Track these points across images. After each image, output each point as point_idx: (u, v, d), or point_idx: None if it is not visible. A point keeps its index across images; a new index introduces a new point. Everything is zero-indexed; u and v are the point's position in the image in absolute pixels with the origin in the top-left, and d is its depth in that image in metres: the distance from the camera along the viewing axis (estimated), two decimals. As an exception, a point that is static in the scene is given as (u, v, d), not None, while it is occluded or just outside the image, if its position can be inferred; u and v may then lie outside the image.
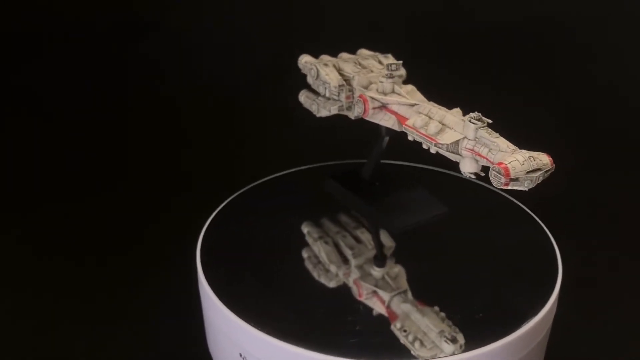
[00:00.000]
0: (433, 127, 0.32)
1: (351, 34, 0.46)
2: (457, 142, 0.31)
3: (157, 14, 0.70)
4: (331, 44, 0.42)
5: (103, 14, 0.69)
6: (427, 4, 0.69)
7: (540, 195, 0.48)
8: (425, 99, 0.35)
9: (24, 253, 0.49)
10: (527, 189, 0.29)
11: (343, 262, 0.37)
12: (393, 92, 0.36)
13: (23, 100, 0.67)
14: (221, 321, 0.34)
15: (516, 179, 0.29)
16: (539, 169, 0.29)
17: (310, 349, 0.30)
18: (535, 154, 0.29)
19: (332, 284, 0.35)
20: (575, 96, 0.65)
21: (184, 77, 0.69)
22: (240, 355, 0.33)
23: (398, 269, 0.36)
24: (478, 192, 0.44)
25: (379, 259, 0.37)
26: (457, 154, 0.31)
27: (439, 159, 0.34)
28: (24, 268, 0.47)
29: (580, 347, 0.41)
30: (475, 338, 0.32)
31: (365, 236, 0.39)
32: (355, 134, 0.43)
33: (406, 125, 0.34)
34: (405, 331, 0.31)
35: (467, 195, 0.44)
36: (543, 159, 0.29)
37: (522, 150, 0.29)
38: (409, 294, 0.34)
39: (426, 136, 0.32)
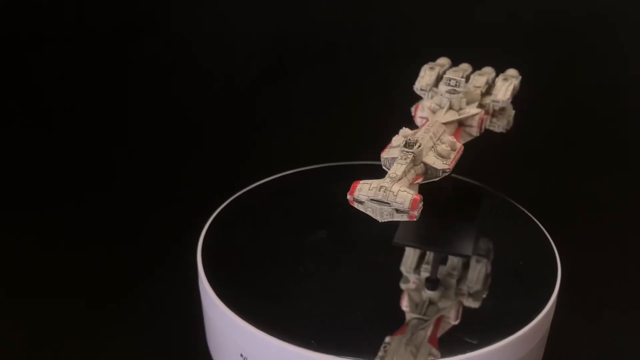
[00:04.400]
0: (395, 141, 0.31)
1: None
2: (393, 160, 0.30)
3: (159, 13, 0.70)
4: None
5: (103, 14, 0.69)
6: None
7: (539, 195, 0.49)
8: (460, 123, 0.35)
9: (22, 253, 0.49)
10: (380, 221, 0.28)
11: (413, 270, 0.37)
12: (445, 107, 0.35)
13: (22, 100, 0.67)
14: (222, 322, 0.34)
15: (360, 202, 0.28)
16: (388, 204, 0.28)
17: (312, 349, 0.31)
18: (399, 188, 0.27)
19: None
20: (577, 95, 0.65)
21: (185, 77, 0.69)
22: (241, 355, 0.33)
23: (450, 303, 0.35)
24: (476, 193, 0.44)
25: (431, 282, 0.36)
26: None
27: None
28: (22, 267, 0.47)
29: (579, 349, 0.41)
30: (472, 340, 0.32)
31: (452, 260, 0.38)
32: (361, 135, 0.43)
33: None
34: (385, 347, 0.31)
35: (464, 196, 0.44)
36: (400, 198, 0.27)
37: (386, 179, 0.28)
38: (430, 325, 0.33)
39: (386, 147, 0.32)
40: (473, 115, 0.35)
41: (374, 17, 0.70)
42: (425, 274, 0.37)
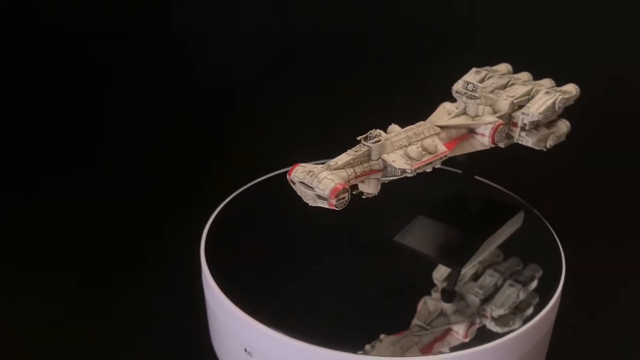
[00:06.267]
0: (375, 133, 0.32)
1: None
2: None
3: (155, 14, 0.70)
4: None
5: (101, 13, 0.69)
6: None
7: (544, 192, 0.49)
8: (471, 130, 0.35)
9: (23, 252, 0.49)
10: (310, 205, 0.29)
11: (442, 280, 0.37)
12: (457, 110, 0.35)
13: (21, 100, 0.67)
14: (226, 316, 0.34)
15: (294, 183, 0.29)
16: (312, 189, 0.28)
17: (316, 344, 0.31)
18: (325, 176, 0.28)
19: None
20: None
21: (182, 76, 0.70)
22: (246, 350, 0.33)
23: (463, 320, 0.34)
24: (483, 189, 0.44)
25: (448, 294, 0.36)
26: None
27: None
28: (22, 266, 0.47)
29: (582, 345, 0.41)
30: (477, 335, 0.32)
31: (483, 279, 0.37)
32: (362, 133, 0.43)
33: None
34: (375, 343, 0.32)
35: (471, 193, 0.44)
36: (322, 185, 0.28)
37: (320, 166, 0.29)
38: (429, 334, 0.33)
39: None
40: (486, 124, 0.34)
41: (380, 15, 0.70)
42: (454, 286, 0.36)
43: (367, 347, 0.31)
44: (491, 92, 0.37)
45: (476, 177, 0.44)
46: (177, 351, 0.40)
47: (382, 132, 0.31)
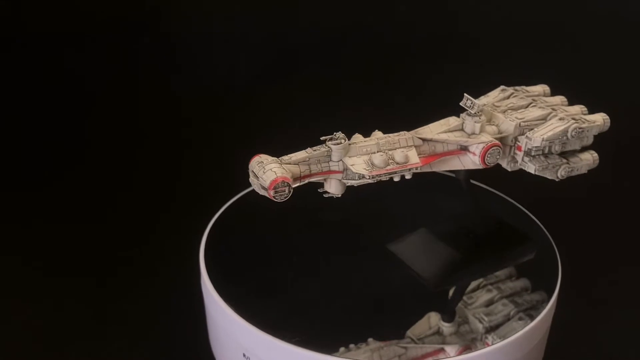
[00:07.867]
0: (354, 138, 0.32)
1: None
2: None
3: (156, 12, 0.70)
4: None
5: (102, 12, 0.69)
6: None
7: (540, 195, 0.49)
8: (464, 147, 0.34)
9: (25, 252, 0.49)
10: (260, 193, 0.30)
11: None
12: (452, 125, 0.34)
13: (25, 100, 0.67)
14: (225, 322, 0.34)
15: (250, 171, 0.30)
16: (257, 178, 0.30)
17: (314, 349, 0.31)
18: (271, 167, 0.29)
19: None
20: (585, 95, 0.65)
21: (185, 77, 0.70)
22: (244, 355, 0.34)
23: (458, 341, 0.33)
24: (478, 194, 0.44)
25: (448, 314, 0.35)
26: None
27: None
28: (25, 266, 0.47)
29: (579, 348, 0.41)
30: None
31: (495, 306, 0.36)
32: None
33: None
34: (360, 345, 0.32)
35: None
36: (265, 176, 0.29)
37: (273, 159, 0.30)
38: (416, 349, 0.32)
39: None
40: (478, 143, 0.33)
41: (380, 16, 0.70)
42: (466, 310, 0.35)
43: (352, 345, 0.32)
44: (504, 111, 0.35)
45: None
46: (176, 355, 0.40)
47: (359, 135, 0.32)
